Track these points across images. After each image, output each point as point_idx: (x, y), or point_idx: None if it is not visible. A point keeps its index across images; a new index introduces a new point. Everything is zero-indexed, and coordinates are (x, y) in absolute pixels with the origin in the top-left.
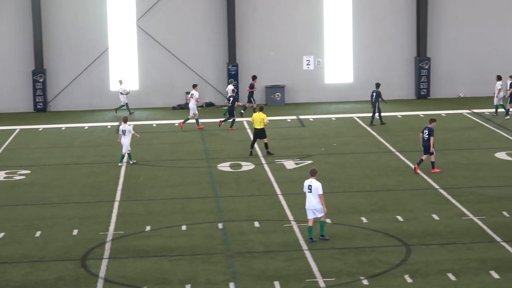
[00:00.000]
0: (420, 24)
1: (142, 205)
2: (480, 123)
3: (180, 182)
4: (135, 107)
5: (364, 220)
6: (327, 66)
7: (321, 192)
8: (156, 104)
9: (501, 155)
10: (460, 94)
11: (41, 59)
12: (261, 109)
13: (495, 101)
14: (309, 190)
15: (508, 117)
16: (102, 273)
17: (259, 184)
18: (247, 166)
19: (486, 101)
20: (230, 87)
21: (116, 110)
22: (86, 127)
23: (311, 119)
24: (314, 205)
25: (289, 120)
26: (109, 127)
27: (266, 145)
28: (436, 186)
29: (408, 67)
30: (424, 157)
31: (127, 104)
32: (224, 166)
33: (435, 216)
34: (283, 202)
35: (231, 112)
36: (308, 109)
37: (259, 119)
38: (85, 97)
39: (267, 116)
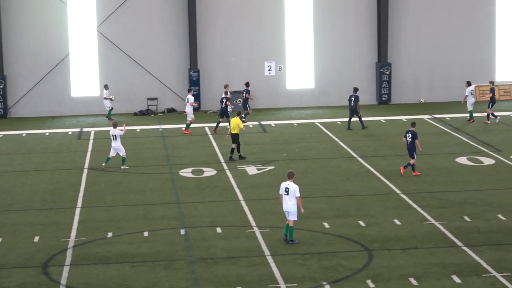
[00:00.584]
0: (381, 30)
1: (104, 211)
2: (441, 128)
3: (142, 188)
4: (96, 113)
5: (326, 225)
6: (288, 72)
7: (298, 195)
8: (118, 110)
9: (462, 160)
10: (421, 100)
11: (1, 66)
12: (238, 114)
13: (469, 107)
14: (286, 193)
15: (488, 121)
16: (64, 280)
17: (221, 190)
18: (209, 172)
19: (447, 106)
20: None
21: (108, 117)
22: (47, 134)
23: (272, 125)
24: (289, 207)
25: (251, 126)
26: (70, 133)
27: (231, 150)
28: (398, 191)
29: (369, 73)
30: (412, 161)
31: (111, 109)
32: (186, 172)
33: (396, 221)
34: (246, 208)
35: (226, 113)
36: (269, 114)
37: (235, 124)
38: (46, 104)
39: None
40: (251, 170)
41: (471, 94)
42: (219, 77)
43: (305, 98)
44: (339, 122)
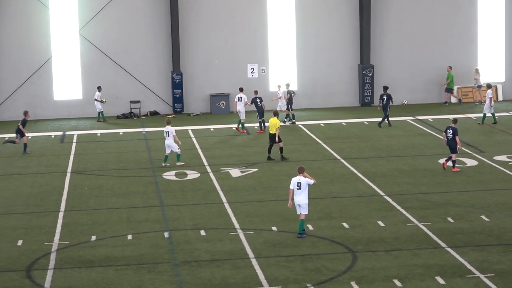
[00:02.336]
0: (363, 32)
1: (87, 215)
2: (424, 129)
3: (125, 191)
4: (79, 116)
5: (310, 227)
6: (271, 74)
7: (312, 182)
8: None
9: None
10: (404, 101)
11: None
12: (275, 114)
13: (486, 110)
14: (298, 187)
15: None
16: (47, 284)
17: (205, 193)
18: (192, 174)
19: (429, 108)
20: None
21: (101, 119)
22: (29, 137)
23: (255, 127)
24: (301, 201)
25: (234, 128)
26: (52, 136)
27: (269, 148)
28: (381, 193)
29: (352, 75)
30: (453, 156)
31: (102, 112)
32: (170, 175)
33: (380, 223)
34: (229, 211)
35: (261, 113)
36: (253, 117)
37: (272, 124)
38: (28, 107)
39: (214, 124)
40: (235, 172)
41: (488, 97)
42: (202, 79)
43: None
44: (322, 124)
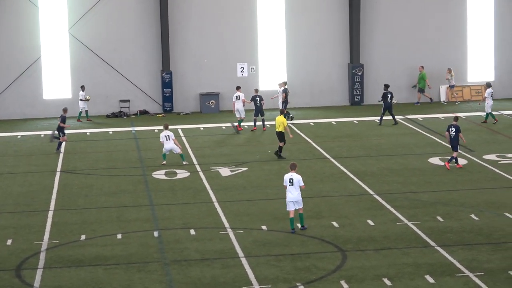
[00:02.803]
0: (353, 31)
1: (77, 214)
2: (413, 129)
3: (114, 191)
4: (69, 115)
5: (300, 226)
6: (261, 73)
7: (302, 184)
8: (90, 113)
9: (435, 160)
10: (394, 100)
11: None
12: (281, 113)
13: (487, 109)
14: (291, 183)
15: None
16: (37, 283)
17: (195, 192)
18: (182, 174)
19: (419, 107)
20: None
21: (80, 120)
22: (19, 136)
23: (245, 126)
24: (295, 197)
25: (223, 128)
26: (42, 136)
27: (279, 148)
28: (371, 192)
29: (341, 74)
30: (454, 154)
31: (86, 111)
32: (159, 174)
33: (370, 222)
34: (219, 210)
35: (260, 112)
36: (249, 115)
37: (279, 122)
38: (18, 106)
39: (204, 123)
40: (224, 171)
41: (490, 96)
42: (192, 78)
43: (277, 99)
44: (311, 123)
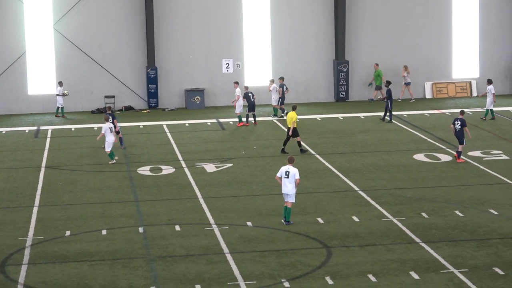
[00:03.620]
0: (338, 28)
1: (62, 210)
2: (398, 125)
3: (99, 187)
4: (53, 111)
5: (285, 221)
6: (246, 69)
7: (298, 177)
8: (75, 108)
9: (419, 156)
10: (379, 97)
11: None
12: (294, 109)
13: (489, 105)
14: (286, 176)
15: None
16: (21, 279)
17: (180, 188)
18: (167, 169)
19: (404, 103)
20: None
21: (60, 115)
22: (3, 132)
23: (231, 122)
24: (289, 190)
25: (209, 124)
26: (27, 131)
27: (284, 142)
28: (356, 188)
29: (327, 70)
30: (460, 147)
31: (62, 107)
32: (144, 170)
33: (355, 218)
34: (204, 206)
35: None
36: (228, 112)
37: (290, 118)
38: (2, 102)
39: (189, 119)
40: (210, 167)
41: (491, 92)
42: (177, 74)
43: (263, 95)
44: (297, 120)
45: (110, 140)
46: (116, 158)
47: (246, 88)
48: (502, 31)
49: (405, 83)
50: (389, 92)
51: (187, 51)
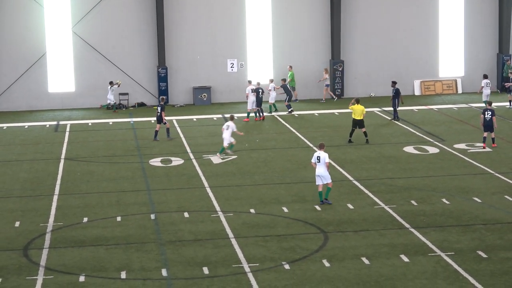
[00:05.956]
0: (334, 30)
1: (79, 198)
2: (389, 120)
3: (114, 177)
4: (72, 107)
5: (285, 210)
6: (249, 68)
7: (327, 161)
8: (92, 105)
9: (409, 149)
10: (371, 94)
11: None
12: (358, 102)
13: (484, 98)
14: (318, 161)
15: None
16: (43, 262)
17: (188, 178)
18: (176, 161)
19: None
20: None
21: (112, 109)
22: (26, 127)
23: (235, 118)
24: (322, 173)
25: (215, 119)
26: (47, 126)
27: (365, 133)
28: (350, 178)
29: (323, 69)
30: (485, 134)
31: (115, 103)
32: (156, 162)
33: (349, 206)
34: (211, 194)
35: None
36: (232, 108)
37: (359, 110)
38: (24, 99)
39: (197, 115)
40: (216, 159)
41: (487, 85)
42: (185, 73)
43: (265, 93)
44: (296, 115)
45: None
46: (222, 155)
47: (258, 84)
48: (485, 33)
49: (326, 85)
50: (396, 91)
51: (195, 51)
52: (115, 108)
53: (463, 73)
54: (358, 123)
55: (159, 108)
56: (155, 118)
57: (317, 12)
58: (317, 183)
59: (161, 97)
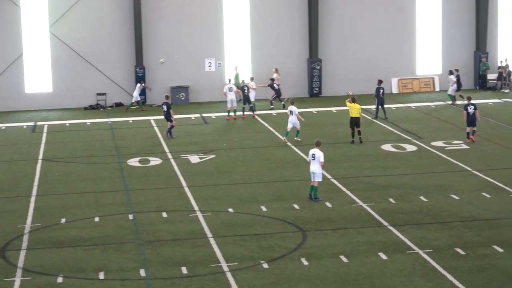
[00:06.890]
0: (311, 28)
1: (57, 199)
2: (367, 118)
3: (92, 177)
4: (49, 108)
5: (264, 208)
6: (227, 67)
7: (322, 160)
8: (70, 105)
9: (387, 147)
10: (349, 92)
11: None
12: (354, 100)
13: (450, 91)
14: (313, 158)
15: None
16: (20, 263)
17: (167, 178)
18: (155, 161)
19: (372, 98)
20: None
21: (141, 108)
22: (3, 128)
23: (213, 117)
24: (314, 170)
25: (193, 118)
26: (24, 127)
27: (359, 132)
28: (329, 176)
29: (301, 68)
30: (468, 129)
31: (138, 101)
32: (134, 162)
33: (328, 204)
34: (189, 194)
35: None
36: (210, 107)
37: (356, 109)
38: (1, 100)
39: (175, 114)
40: (194, 159)
41: (453, 81)
42: (163, 73)
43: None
44: (274, 114)
45: None
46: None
47: (243, 82)
48: (463, 31)
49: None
50: (377, 90)
51: (173, 51)
52: (142, 106)
53: (440, 71)
54: (355, 122)
55: (165, 107)
56: (132, 118)
57: (295, 10)
58: (312, 180)
59: (165, 95)
